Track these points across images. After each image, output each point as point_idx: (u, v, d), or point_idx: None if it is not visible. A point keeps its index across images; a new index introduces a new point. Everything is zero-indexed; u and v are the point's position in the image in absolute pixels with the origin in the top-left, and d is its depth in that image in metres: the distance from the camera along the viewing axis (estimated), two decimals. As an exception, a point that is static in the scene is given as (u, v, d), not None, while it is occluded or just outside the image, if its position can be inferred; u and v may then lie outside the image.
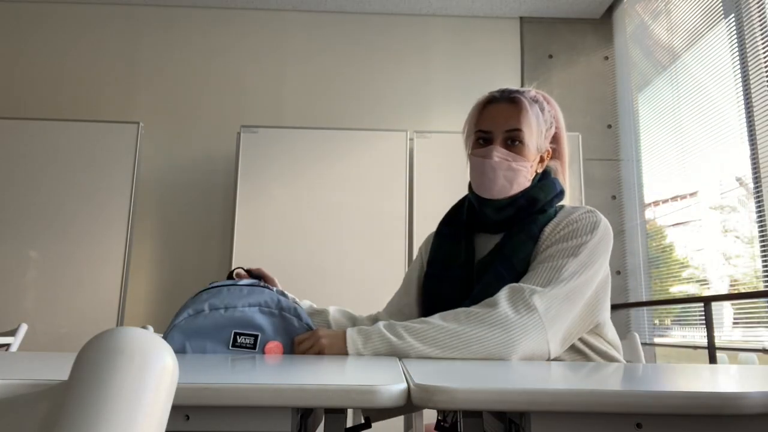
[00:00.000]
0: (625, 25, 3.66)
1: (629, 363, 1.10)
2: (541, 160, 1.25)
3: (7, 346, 2.35)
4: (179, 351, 1.00)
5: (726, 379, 0.69)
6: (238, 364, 0.82)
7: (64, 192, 3.25)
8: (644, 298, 3.29)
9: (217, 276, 3.50)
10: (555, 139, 1.28)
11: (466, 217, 1.30)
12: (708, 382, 0.63)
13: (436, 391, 0.56)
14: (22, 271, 3.15)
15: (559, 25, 3.84)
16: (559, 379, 0.66)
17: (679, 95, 2.97)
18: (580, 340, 1.11)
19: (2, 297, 3.11)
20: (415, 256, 1.46)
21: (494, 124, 1.21)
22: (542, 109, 1.23)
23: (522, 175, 1.20)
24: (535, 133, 1.20)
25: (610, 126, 3.68)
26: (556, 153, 1.29)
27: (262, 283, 1.15)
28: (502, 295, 1.04)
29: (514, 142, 1.19)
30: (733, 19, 2.54)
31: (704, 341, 2.35)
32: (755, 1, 2.43)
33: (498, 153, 1.18)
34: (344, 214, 3.26)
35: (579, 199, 3.33)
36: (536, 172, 1.24)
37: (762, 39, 2.37)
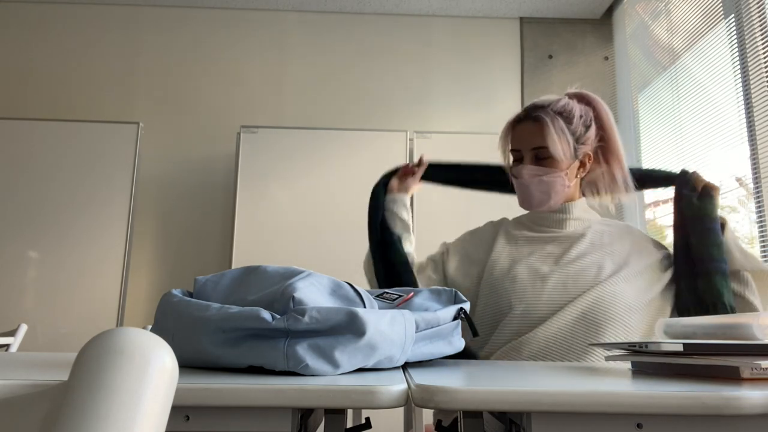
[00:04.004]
0: (625, 25, 3.66)
1: None
2: (582, 164, 1.31)
3: (7, 346, 2.35)
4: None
5: (726, 380, 0.69)
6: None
7: (64, 192, 3.25)
8: (644, 299, 3.28)
9: (217, 276, 3.50)
10: (604, 138, 1.32)
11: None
12: (709, 383, 0.63)
13: (437, 391, 0.56)
14: (22, 271, 3.15)
15: (559, 26, 3.84)
16: (559, 380, 0.66)
17: (679, 95, 2.97)
18: None
19: (2, 297, 3.11)
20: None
21: (521, 143, 1.29)
22: (569, 119, 1.28)
23: (558, 184, 1.28)
24: (561, 146, 1.26)
25: (610, 126, 3.67)
26: (606, 152, 1.32)
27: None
28: None
29: (542, 159, 1.27)
30: (733, 19, 2.54)
31: (704, 341, 2.34)
32: (755, 2, 2.43)
33: (527, 171, 1.28)
34: (344, 214, 3.26)
35: (579, 199, 3.33)
36: (578, 177, 1.32)
37: (762, 39, 2.37)
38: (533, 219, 1.35)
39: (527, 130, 1.28)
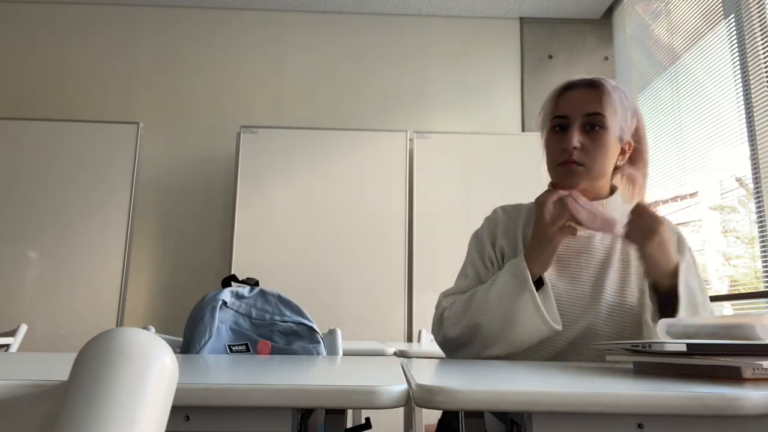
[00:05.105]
0: (625, 25, 3.66)
1: None
2: (622, 152, 1.16)
3: (7, 346, 2.34)
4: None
5: (727, 380, 0.69)
6: (237, 365, 0.81)
7: (64, 192, 3.25)
8: (644, 299, 3.28)
9: (217, 276, 3.50)
10: (637, 138, 1.18)
11: None
12: (710, 383, 0.63)
13: (438, 391, 0.56)
14: (22, 271, 3.14)
15: (559, 26, 3.84)
16: (560, 380, 0.65)
17: (679, 95, 2.97)
18: None
19: (2, 297, 3.11)
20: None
21: (572, 108, 1.12)
22: (625, 96, 1.15)
23: (608, 166, 1.12)
24: (619, 118, 1.11)
25: (610, 126, 3.68)
26: (637, 154, 1.18)
27: None
28: None
29: (594, 127, 1.11)
30: (733, 19, 2.54)
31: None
32: (755, 2, 2.43)
33: (578, 138, 1.10)
34: (344, 214, 3.26)
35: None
36: (617, 165, 1.15)
37: (762, 39, 2.37)
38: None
39: (582, 94, 1.12)
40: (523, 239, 1.19)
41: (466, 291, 1.16)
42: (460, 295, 1.16)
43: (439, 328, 1.15)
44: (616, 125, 1.11)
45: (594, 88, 1.13)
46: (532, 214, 1.19)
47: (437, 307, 1.19)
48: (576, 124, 1.11)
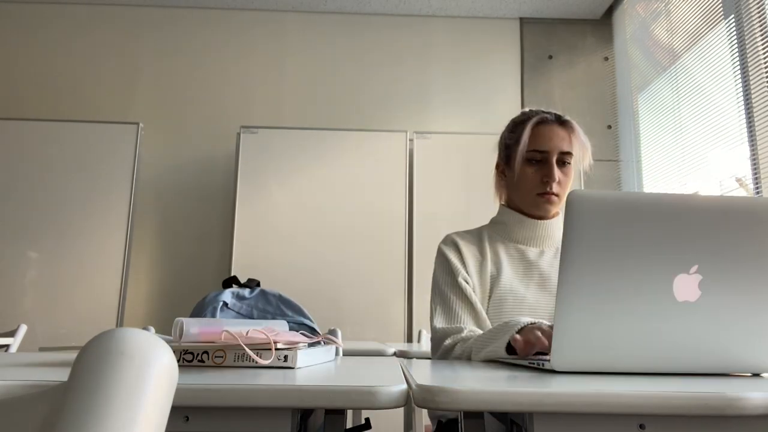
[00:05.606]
0: (625, 25, 3.66)
1: None
2: None
3: (7, 346, 2.34)
4: None
5: (728, 380, 0.69)
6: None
7: (64, 192, 3.25)
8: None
9: (217, 276, 3.50)
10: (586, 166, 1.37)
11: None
12: (711, 384, 0.63)
13: (438, 392, 0.55)
14: (22, 272, 3.14)
15: (559, 26, 3.84)
16: (561, 380, 0.65)
17: (679, 96, 2.97)
18: None
19: (2, 297, 3.11)
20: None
21: (551, 145, 1.26)
22: (582, 133, 1.31)
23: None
24: (578, 158, 1.29)
25: (610, 126, 3.68)
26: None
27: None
28: None
29: (565, 163, 1.27)
30: (733, 19, 2.54)
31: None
32: (755, 2, 2.43)
33: (558, 174, 1.25)
34: (344, 214, 3.26)
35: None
36: None
37: (762, 39, 2.37)
38: (526, 228, 1.30)
39: (556, 132, 1.27)
40: (492, 255, 1.29)
41: (461, 327, 1.19)
42: (459, 334, 1.18)
43: (440, 356, 1.20)
44: (585, 163, 1.31)
45: (564, 126, 1.28)
46: (489, 232, 1.34)
47: (437, 342, 1.21)
48: (553, 160, 1.25)
